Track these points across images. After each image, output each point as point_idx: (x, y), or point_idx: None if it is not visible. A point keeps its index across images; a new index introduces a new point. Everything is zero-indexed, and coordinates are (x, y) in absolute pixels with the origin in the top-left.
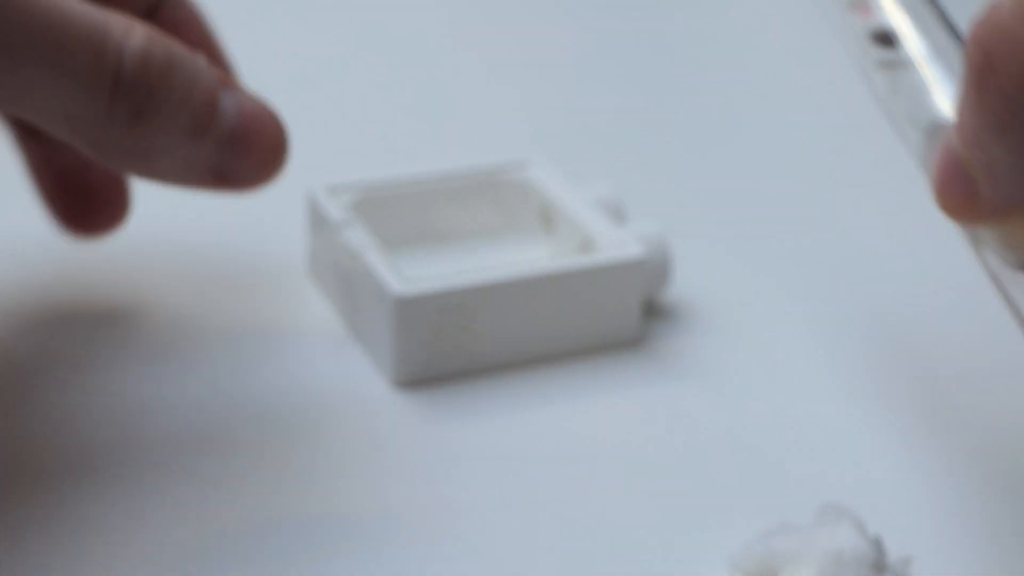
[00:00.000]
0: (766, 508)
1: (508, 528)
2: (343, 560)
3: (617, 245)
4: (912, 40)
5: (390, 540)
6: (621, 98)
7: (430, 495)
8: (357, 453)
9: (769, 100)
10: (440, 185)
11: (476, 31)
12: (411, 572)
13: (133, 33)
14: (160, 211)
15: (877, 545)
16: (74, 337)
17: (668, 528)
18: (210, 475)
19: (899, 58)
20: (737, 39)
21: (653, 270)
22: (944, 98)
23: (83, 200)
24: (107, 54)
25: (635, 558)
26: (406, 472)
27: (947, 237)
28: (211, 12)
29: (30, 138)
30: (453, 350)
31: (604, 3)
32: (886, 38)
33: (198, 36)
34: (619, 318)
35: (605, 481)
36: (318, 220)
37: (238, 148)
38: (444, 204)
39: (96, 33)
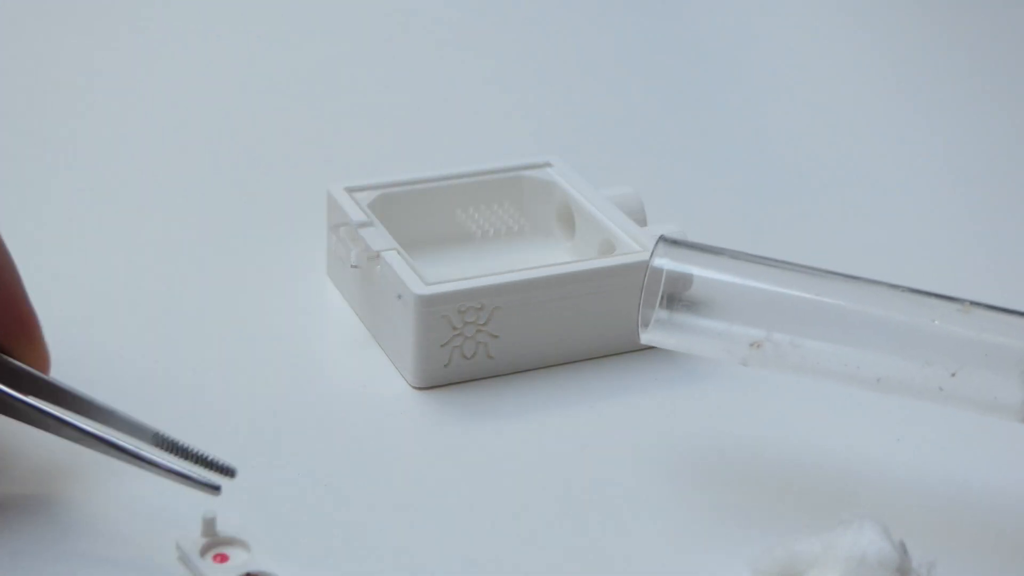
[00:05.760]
0: (788, 511)
1: (527, 529)
2: (359, 559)
3: (638, 246)
4: None
5: (408, 541)
6: (643, 101)
7: (449, 496)
8: (377, 454)
9: (791, 104)
10: (460, 185)
11: (498, 33)
12: (428, 572)
13: None
14: (179, 213)
15: (902, 549)
16: (91, 331)
17: (690, 531)
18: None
19: None
20: (760, 43)
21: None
22: None
23: None
24: None
25: (656, 561)
26: (425, 473)
27: (963, 238)
28: (234, 15)
29: None
30: (473, 350)
31: (625, 6)
32: None
33: None
34: None
35: (625, 483)
36: (337, 220)
37: None
38: (464, 204)
39: None
